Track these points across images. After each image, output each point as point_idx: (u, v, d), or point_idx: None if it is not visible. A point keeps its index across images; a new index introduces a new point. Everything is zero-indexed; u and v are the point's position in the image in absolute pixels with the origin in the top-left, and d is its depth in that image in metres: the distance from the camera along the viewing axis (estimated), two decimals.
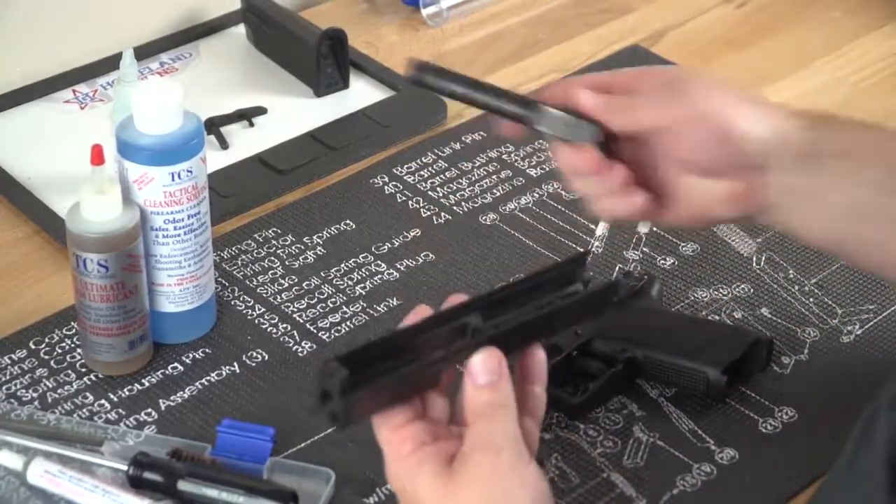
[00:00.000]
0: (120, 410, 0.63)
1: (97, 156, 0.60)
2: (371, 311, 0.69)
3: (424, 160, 0.79)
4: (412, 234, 0.74)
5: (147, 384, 0.64)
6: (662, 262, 0.72)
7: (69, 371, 0.65)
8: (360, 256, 0.72)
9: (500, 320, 0.52)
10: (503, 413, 0.50)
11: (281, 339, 0.67)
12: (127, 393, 0.64)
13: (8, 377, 0.64)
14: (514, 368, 0.53)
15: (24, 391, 0.63)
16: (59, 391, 0.64)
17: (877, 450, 0.42)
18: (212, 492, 0.57)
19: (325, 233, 0.74)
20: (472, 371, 0.51)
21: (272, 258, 0.72)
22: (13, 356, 0.65)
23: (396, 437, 0.50)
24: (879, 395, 0.44)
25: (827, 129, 0.58)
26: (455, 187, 0.77)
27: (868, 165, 0.56)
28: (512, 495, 0.49)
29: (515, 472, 0.49)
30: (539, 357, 0.53)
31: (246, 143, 0.80)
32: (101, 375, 0.64)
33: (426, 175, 0.78)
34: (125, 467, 0.57)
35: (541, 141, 0.81)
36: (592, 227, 0.74)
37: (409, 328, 0.52)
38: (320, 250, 0.73)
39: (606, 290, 0.56)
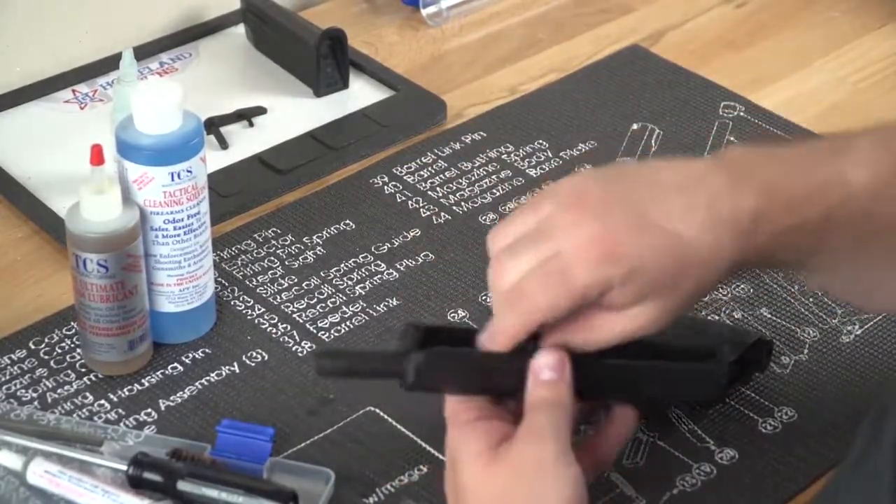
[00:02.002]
0: (120, 410, 0.63)
1: (97, 156, 0.60)
2: (371, 311, 0.69)
3: (424, 160, 0.79)
4: (412, 234, 0.74)
5: (147, 384, 0.64)
6: None
7: (69, 371, 0.65)
8: (360, 256, 0.72)
9: (595, 360, 0.52)
10: (557, 410, 0.51)
11: (281, 339, 0.67)
12: (127, 393, 0.64)
13: (8, 377, 0.64)
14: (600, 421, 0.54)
15: (23, 391, 0.64)
16: (58, 391, 0.64)
17: (884, 451, 0.42)
18: (211, 492, 0.57)
19: (324, 233, 0.74)
20: (536, 367, 0.51)
21: (272, 258, 0.72)
22: (13, 356, 0.65)
23: (462, 405, 0.51)
24: (886, 393, 0.44)
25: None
26: (455, 187, 0.77)
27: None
28: (546, 489, 0.49)
29: (556, 468, 0.49)
30: (629, 418, 0.53)
31: (246, 142, 0.80)
32: (100, 375, 0.64)
33: (426, 175, 0.78)
34: (125, 467, 0.57)
35: (541, 141, 0.81)
36: None
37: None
38: (320, 250, 0.73)
39: (712, 373, 0.54)
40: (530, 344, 0.52)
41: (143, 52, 0.84)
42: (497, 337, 0.52)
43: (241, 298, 0.69)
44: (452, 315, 0.68)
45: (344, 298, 0.69)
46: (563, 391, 0.51)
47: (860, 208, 0.53)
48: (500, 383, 0.52)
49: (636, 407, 0.55)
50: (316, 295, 0.70)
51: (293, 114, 0.82)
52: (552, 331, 0.52)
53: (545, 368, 0.51)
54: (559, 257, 0.50)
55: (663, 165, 0.53)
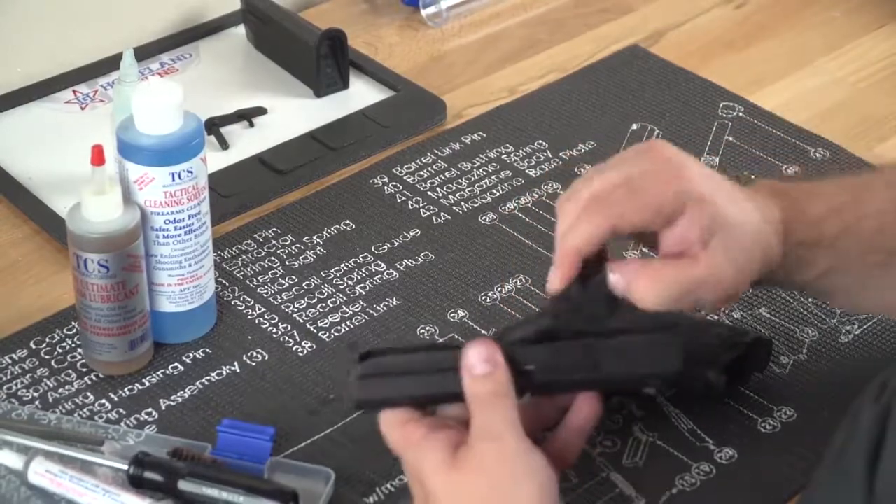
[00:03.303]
0: (120, 410, 0.63)
1: (98, 156, 0.61)
2: (371, 311, 0.69)
3: (424, 160, 0.79)
4: (412, 234, 0.74)
5: (147, 384, 0.64)
6: None
7: (70, 371, 0.65)
8: (360, 256, 0.72)
9: (529, 346, 0.52)
10: (502, 402, 0.50)
11: (281, 338, 0.67)
12: (127, 393, 0.64)
13: (9, 377, 0.64)
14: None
15: (24, 391, 0.64)
16: (59, 391, 0.64)
17: (859, 441, 0.42)
18: (212, 491, 0.57)
19: (325, 233, 0.74)
20: (468, 363, 0.51)
21: (272, 258, 0.72)
22: (14, 356, 0.65)
23: (405, 429, 0.51)
24: (865, 392, 0.44)
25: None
26: (454, 187, 0.77)
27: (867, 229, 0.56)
28: (517, 482, 0.49)
29: (519, 459, 0.49)
30: (587, 413, 0.53)
31: (246, 143, 0.80)
32: (101, 375, 0.64)
33: (426, 175, 0.78)
34: (126, 467, 0.58)
35: (540, 141, 0.81)
36: None
37: (441, 345, 0.55)
38: (320, 250, 0.73)
39: (666, 343, 0.54)
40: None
41: (144, 53, 0.84)
42: (570, 238, 0.52)
43: (241, 298, 0.69)
44: (452, 315, 0.68)
45: (344, 298, 0.70)
46: (501, 380, 0.51)
47: (876, 229, 0.55)
48: (445, 383, 0.52)
49: (599, 393, 0.54)
50: (316, 295, 0.70)
51: (293, 114, 0.82)
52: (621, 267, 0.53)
53: (477, 363, 0.51)
54: (641, 175, 0.53)
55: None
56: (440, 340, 0.62)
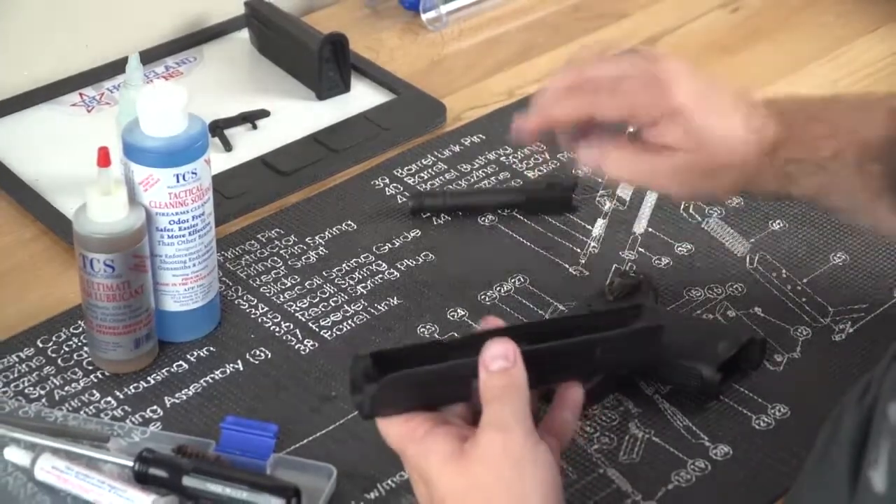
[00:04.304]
0: (126, 407, 0.63)
1: (103, 158, 0.61)
2: (372, 310, 0.70)
3: (424, 162, 0.80)
4: (412, 234, 0.75)
5: (152, 382, 0.65)
6: (657, 261, 0.73)
7: (76, 369, 0.66)
8: (362, 256, 0.73)
9: (538, 346, 0.54)
10: (515, 394, 0.51)
11: (284, 337, 0.68)
12: (133, 390, 0.64)
13: (16, 375, 0.65)
14: (551, 398, 0.55)
15: (31, 389, 0.64)
16: (65, 389, 0.64)
17: (841, 441, 0.43)
18: (216, 487, 0.57)
19: (326, 233, 0.75)
20: (486, 358, 0.52)
21: (275, 258, 0.73)
22: (21, 354, 0.66)
23: (407, 426, 0.52)
24: (850, 393, 0.45)
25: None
26: (454, 189, 0.78)
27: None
28: (523, 473, 0.50)
29: (526, 451, 0.50)
30: (576, 391, 0.54)
31: (249, 145, 0.81)
32: (107, 373, 0.65)
33: (426, 177, 0.79)
34: (131, 463, 0.58)
35: (538, 143, 0.82)
36: (589, 227, 0.75)
37: (446, 342, 0.55)
38: (322, 250, 0.74)
39: (651, 332, 0.56)
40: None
41: (149, 57, 0.85)
42: (551, 105, 0.59)
43: (244, 298, 0.70)
44: (452, 314, 0.69)
45: (346, 297, 0.70)
46: (516, 377, 0.51)
47: (864, 153, 0.59)
48: (456, 390, 0.53)
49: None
50: (318, 294, 0.71)
51: (296, 116, 0.83)
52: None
53: (495, 359, 0.52)
54: (631, 79, 0.59)
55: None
56: (449, 338, 0.62)
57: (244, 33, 0.89)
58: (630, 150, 0.61)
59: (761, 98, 0.62)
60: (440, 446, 0.51)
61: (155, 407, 0.64)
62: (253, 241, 0.74)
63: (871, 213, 0.62)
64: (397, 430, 0.52)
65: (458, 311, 0.69)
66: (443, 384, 0.53)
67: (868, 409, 0.42)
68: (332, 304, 0.70)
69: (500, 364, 0.51)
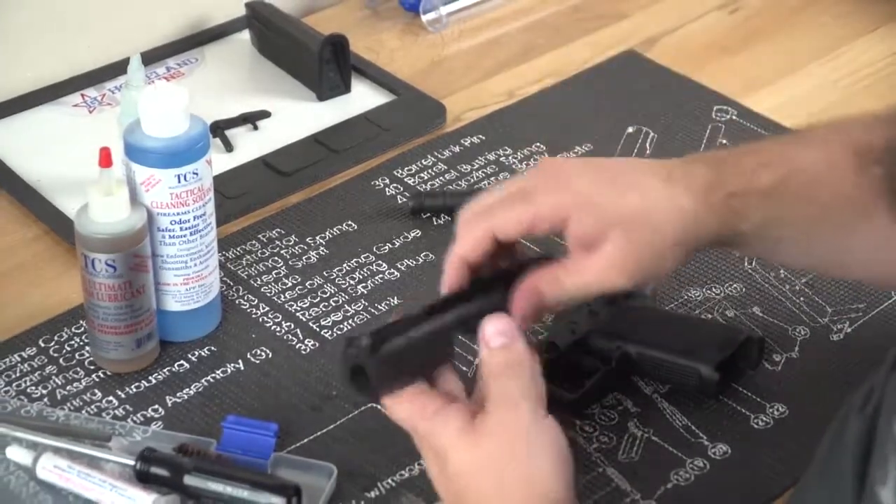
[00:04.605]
0: (127, 407, 0.64)
1: (105, 158, 0.61)
2: (372, 310, 0.70)
3: (424, 162, 0.80)
4: (412, 234, 0.75)
5: (154, 381, 0.65)
6: None
7: (78, 368, 0.66)
8: (362, 256, 0.73)
9: (487, 302, 0.55)
10: (519, 370, 0.52)
11: (284, 337, 0.68)
12: (134, 390, 0.65)
13: (18, 374, 0.65)
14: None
15: (33, 388, 0.65)
16: (67, 388, 0.65)
17: (846, 448, 0.43)
18: (217, 486, 0.57)
19: (327, 233, 0.75)
20: (486, 336, 0.52)
21: (276, 258, 0.73)
22: (23, 354, 0.66)
23: (417, 403, 0.52)
24: (851, 399, 0.45)
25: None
26: (454, 189, 0.78)
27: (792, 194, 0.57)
28: (534, 446, 0.51)
29: (535, 425, 0.51)
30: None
31: (250, 145, 0.81)
32: (108, 373, 0.65)
33: (426, 177, 0.79)
34: (132, 462, 0.58)
35: (538, 144, 0.82)
36: None
37: (420, 314, 0.55)
38: (323, 250, 0.74)
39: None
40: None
41: (151, 58, 0.85)
42: (454, 246, 0.56)
43: (245, 297, 0.70)
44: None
45: (346, 297, 0.71)
46: (518, 351, 0.52)
47: (809, 181, 0.56)
48: (444, 353, 0.54)
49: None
50: (319, 294, 0.71)
51: (297, 117, 0.83)
52: (527, 276, 0.55)
53: (493, 336, 0.52)
54: (527, 189, 0.56)
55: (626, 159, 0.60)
56: (431, 304, 0.59)
57: (245, 34, 0.89)
58: (560, 267, 0.55)
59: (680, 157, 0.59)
60: (451, 422, 0.51)
61: (156, 406, 0.64)
62: (254, 242, 0.74)
63: (821, 249, 0.58)
64: (406, 408, 0.52)
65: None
66: (436, 347, 0.54)
67: (870, 418, 0.42)
68: (333, 304, 0.70)
69: (501, 341, 0.52)
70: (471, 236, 0.56)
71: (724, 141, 0.82)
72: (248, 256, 0.73)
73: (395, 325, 0.55)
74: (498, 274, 0.57)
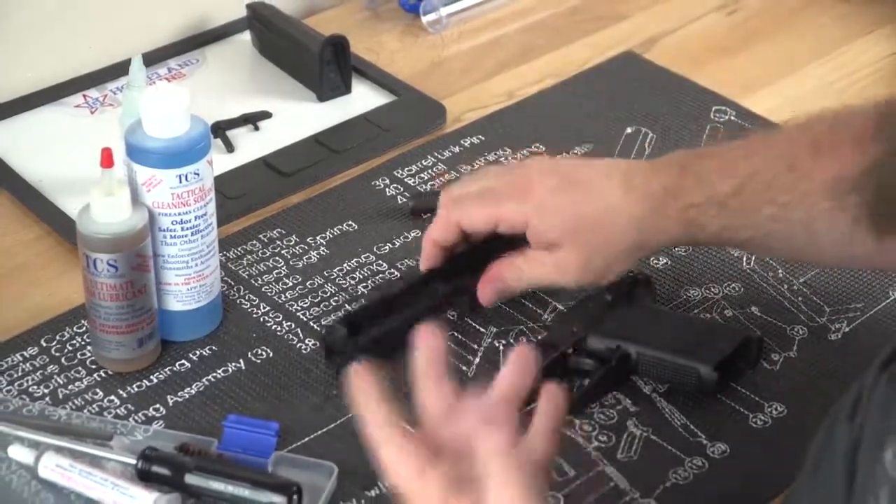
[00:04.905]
0: (129, 406, 0.64)
1: (107, 159, 0.62)
2: None
3: (424, 163, 0.80)
4: (412, 234, 0.75)
5: (155, 380, 0.65)
6: (655, 261, 0.73)
7: (79, 368, 0.66)
8: (362, 256, 0.74)
9: (464, 281, 0.66)
10: (512, 457, 0.48)
11: (285, 336, 0.68)
12: (136, 389, 0.65)
13: (20, 374, 0.65)
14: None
15: (35, 387, 0.65)
16: (69, 387, 0.65)
17: (836, 459, 0.43)
18: (218, 485, 0.58)
19: (328, 233, 0.75)
20: (485, 418, 0.49)
21: (277, 258, 0.74)
22: (25, 353, 0.67)
23: (401, 457, 0.49)
24: (838, 405, 0.45)
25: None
26: None
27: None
28: None
29: None
30: (558, 399, 0.52)
31: (251, 146, 0.81)
32: (110, 372, 0.65)
33: (426, 177, 0.79)
34: (134, 461, 0.58)
35: (538, 144, 0.82)
36: None
37: (394, 293, 0.66)
38: (323, 250, 0.74)
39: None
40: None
41: (152, 58, 0.85)
42: (429, 229, 0.65)
43: (246, 297, 0.71)
44: (452, 313, 0.70)
45: (346, 297, 0.71)
46: (509, 437, 0.48)
47: (767, 183, 0.58)
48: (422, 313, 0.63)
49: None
50: (319, 294, 0.71)
51: (297, 118, 0.83)
52: (493, 263, 0.64)
53: (493, 431, 0.48)
54: (495, 188, 0.64)
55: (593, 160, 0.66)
56: (405, 282, 0.68)
57: (246, 35, 0.90)
58: (522, 257, 0.63)
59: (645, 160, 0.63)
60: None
61: (157, 405, 0.64)
62: (255, 242, 0.74)
63: (782, 242, 0.60)
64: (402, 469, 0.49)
65: (458, 309, 0.70)
66: (407, 332, 0.56)
67: (859, 428, 0.42)
68: (333, 304, 0.70)
69: (497, 435, 0.48)
70: (442, 223, 0.64)
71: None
72: (249, 256, 0.73)
73: (370, 309, 0.64)
74: (470, 252, 0.66)
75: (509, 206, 0.63)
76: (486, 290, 0.65)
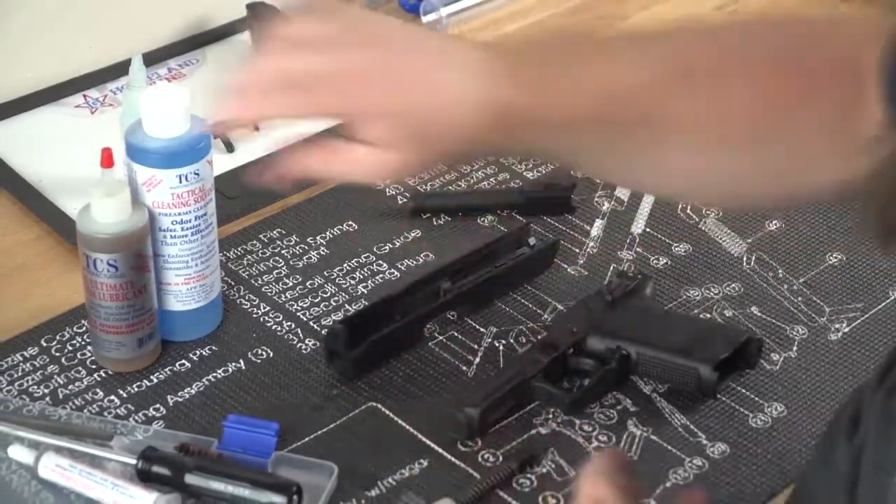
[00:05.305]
0: (129, 406, 0.64)
1: (107, 159, 0.62)
2: None
3: None
4: (413, 234, 0.75)
5: (155, 380, 0.65)
6: (655, 261, 0.73)
7: (80, 368, 0.66)
8: (362, 256, 0.74)
9: (466, 282, 0.67)
10: None
11: (285, 336, 0.68)
12: (136, 389, 0.65)
13: (20, 374, 0.66)
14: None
15: (35, 387, 0.65)
16: (69, 387, 0.65)
17: (838, 479, 0.42)
18: (218, 485, 0.58)
19: (328, 233, 0.75)
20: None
21: (277, 258, 0.74)
22: (25, 353, 0.67)
23: None
24: (835, 423, 0.44)
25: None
26: (454, 189, 0.79)
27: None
28: None
29: None
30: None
31: (251, 146, 0.81)
32: (110, 372, 0.65)
33: (426, 177, 0.79)
34: (134, 461, 0.58)
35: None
36: (587, 228, 0.76)
37: (394, 295, 0.66)
38: (323, 250, 0.74)
39: (549, 248, 0.71)
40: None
41: (152, 59, 0.85)
42: (257, 104, 0.53)
43: (246, 297, 0.71)
44: (451, 313, 0.70)
45: (347, 297, 0.71)
46: None
47: (632, 106, 0.50)
48: (416, 336, 0.66)
49: None
50: (319, 294, 0.71)
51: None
52: (316, 161, 0.53)
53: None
54: (335, 76, 0.52)
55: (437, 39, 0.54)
56: (404, 286, 0.68)
57: (246, 35, 0.90)
58: (330, 152, 0.53)
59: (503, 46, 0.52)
60: None
61: (158, 405, 0.64)
62: (255, 241, 0.74)
63: (623, 165, 0.51)
64: None
65: (458, 309, 0.70)
66: (403, 335, 0.65)
67: (859, 448, 0.41)
68: (334, 304, 0.70)
69: None
70: (272, 106, 0.54)
71: None
72: (249, 256, 0.73)
73: (371, 311, 0.65)
74: (472, 253, 0.68)
75: (345, 104, 0.51)
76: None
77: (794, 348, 0.67)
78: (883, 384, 0.41)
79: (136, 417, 0.63)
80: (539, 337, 0.67)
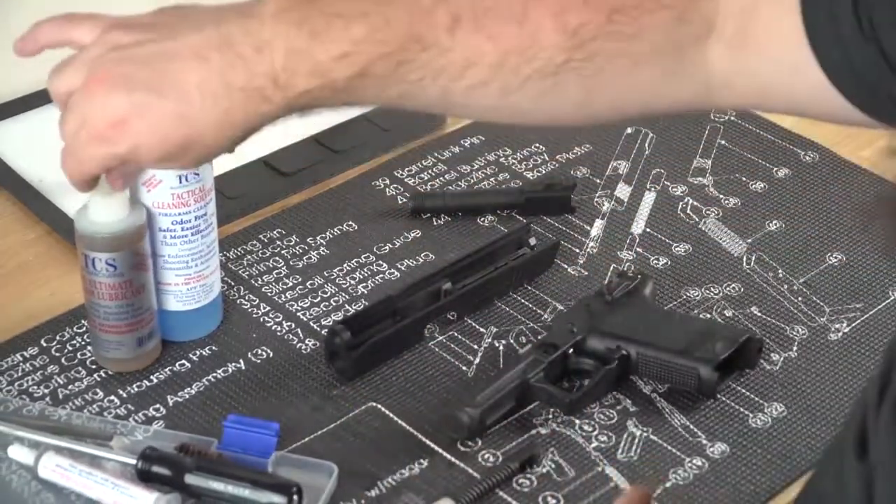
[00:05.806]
0: (129, 406, 0.64)
1: None
2: None
3: (424, 163, 0.81)
4: (412, 234, 0.75)
5: (155, 380, 0.65)
6: (655, 261, 0.73)
7: (79, 368, 0.66)
8: (362, 256, 0.74)
9: (467, 282, 0.67)
10: None
11: (285, 336, 0.68)
12: (136, 389, 0.65)
13: (20, 374, 0.66)
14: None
15: (35, 387, 0.65)
16: (69, 387, 0.65)
17: (850, 499, 0.41)
18: (218, 485, 0.58)
19: (328, 233, 0.75)
20: None
21: (277, 258, 0.74)
22: (25, 353, 0.67)
23: None
24: (841, 438, 0.43)
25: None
26: (454, 189, 0.79)
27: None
28: None
29: None
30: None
31: (251, 146, 0.80)
32: (110, 372, 0.65)
33: (426, 178, 0.79)
34: (134, 461, 0.59)
35: (537, 144, 0.82)
36: (587, 228, 0.76)
37: (394, 295, 0.67)
38: (323, 250, 0.74)
39: (550, 249, 0.71)
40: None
41: None
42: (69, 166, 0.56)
43: (246, 297, 0.71)
44: (452, 313, 0.70)
45: (347, 297, 0.71)
46: None
47: (396, 63, 0.50)
48: (414, 337, 0.67)
49: None
50: (319, 294, 0.71)
51: (297, 118, 0.83)
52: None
53: None
54: (84, 128, 0.54)
55: (191, 25, 0.53)
56: (403, 288, 0.68)
57: None
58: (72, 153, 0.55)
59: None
60: None
61: (158, 405, 0.64)
62: (255, 242, 0.74)
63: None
64: None
65: (458, 310, 0.70)
66: (403, 336, 0.65)
67: (870, 469, 0.40)
68: (334, 304, 0.70)
69: None
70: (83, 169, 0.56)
71: (724, 142, 0.82)
72: (249, 256, 0.73)
73: (372, 311, 0.65)
74: (472, 254, 0.69)
75: (92, 153, 0.54)
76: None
77: (794, 348, 0.68)
78: (884, 401, 0.40)
79: (136, 417, 0.63)
80: (539, 337, 0.67)
